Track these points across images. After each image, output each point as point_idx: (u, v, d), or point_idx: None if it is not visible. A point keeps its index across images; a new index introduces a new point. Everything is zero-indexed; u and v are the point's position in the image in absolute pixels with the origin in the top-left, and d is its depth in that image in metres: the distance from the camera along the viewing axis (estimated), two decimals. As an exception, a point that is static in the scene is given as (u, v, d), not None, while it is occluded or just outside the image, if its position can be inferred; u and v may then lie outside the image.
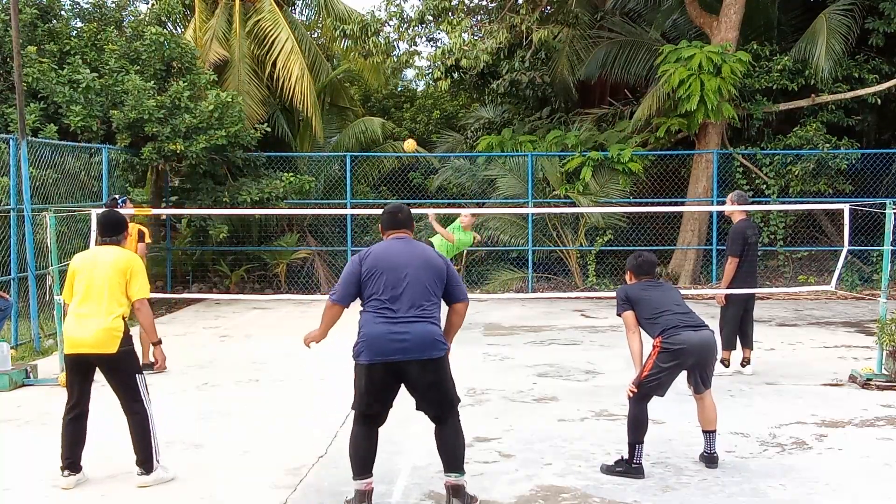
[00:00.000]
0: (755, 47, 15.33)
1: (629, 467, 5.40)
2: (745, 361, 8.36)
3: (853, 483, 5.26)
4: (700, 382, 5.57)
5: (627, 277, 5.91)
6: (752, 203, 14.94)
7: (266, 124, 15.00)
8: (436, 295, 4.80)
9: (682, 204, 15.03)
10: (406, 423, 6.61)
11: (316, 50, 18.19)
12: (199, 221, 14.23)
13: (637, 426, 5.44)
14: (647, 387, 5.44)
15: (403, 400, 7.42)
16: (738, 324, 8.27)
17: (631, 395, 5.47)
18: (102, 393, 7.67)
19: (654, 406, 7.11)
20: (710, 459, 5.59)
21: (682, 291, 8.97)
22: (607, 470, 5.46)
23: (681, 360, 5.41)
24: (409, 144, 10.25)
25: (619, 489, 5.16)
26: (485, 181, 15.59)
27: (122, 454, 5.59)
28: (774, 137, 15.62)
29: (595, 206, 14.34)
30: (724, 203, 14.60)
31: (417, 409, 4.92)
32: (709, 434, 5.62)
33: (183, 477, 5.46)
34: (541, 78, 16.33)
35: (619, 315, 5.72)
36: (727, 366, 8.22)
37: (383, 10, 16.85)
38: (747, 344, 8.38)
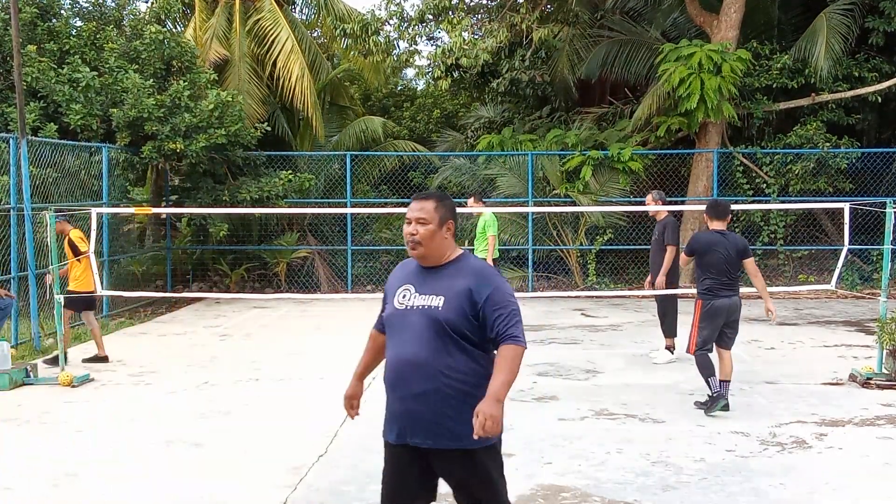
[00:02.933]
0: (755, 46, 15.32)
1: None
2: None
3: (853, 482, 5.26)
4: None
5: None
6: (753, 202, 14.99)
7: (266, 123, 15.01)
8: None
9: (683, 203, 15.02)
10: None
11: (316, 49, 18.19)
12: (199, 220, 14.23)
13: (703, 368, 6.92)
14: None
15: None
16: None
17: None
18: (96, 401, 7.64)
19: (655, 405, 7.13)
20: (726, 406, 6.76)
21: (682, 290, 9.21)
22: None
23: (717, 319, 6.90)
24: None
25: (620, 488, 5.15)
26: (485, 180, 15.58)
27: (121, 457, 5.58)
28: (775, 136, 15.62)
29: (595, 205, 14.34)
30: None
31: None
32: (724, 383, 6.83)
33: (183, 476, 5.46)
34: (541, 77, 16.33)
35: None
36: (672, 352, 8.99)
37: (383, 9, 16.86)
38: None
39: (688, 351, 7.02)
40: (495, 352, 3.33)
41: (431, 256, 3.36)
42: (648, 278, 9.23)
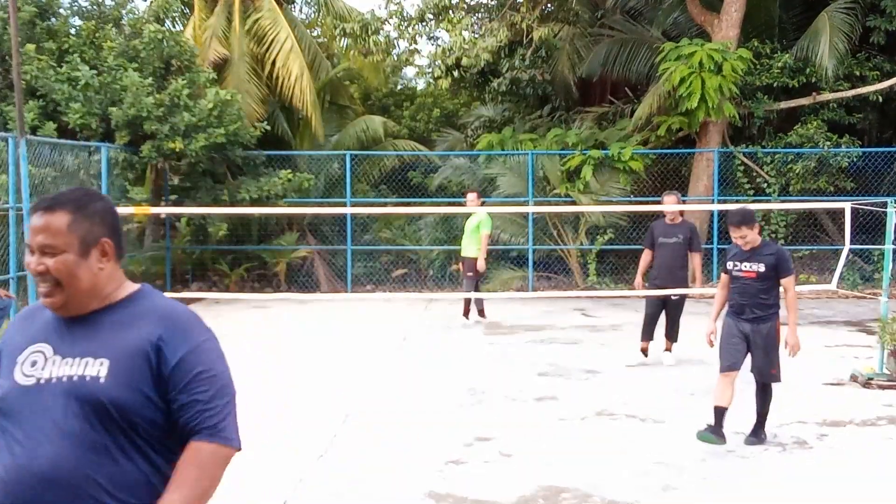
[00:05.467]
0: (756, 45, 15.30)
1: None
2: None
3: (854, 482, 5.24)
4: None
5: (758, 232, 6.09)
6: (754, 202, 14.96)
7: (266, 123, 14.99)
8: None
9: (683, 203, 14.98)
10: (405, 423, 6.59)
11: (316, 48, 18.17)
12: (198, 220, 14.21)
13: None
14: None
15: (401, 400, 7.40)
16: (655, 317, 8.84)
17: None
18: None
19: (655, 405, 7.10)
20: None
21: (682, 290, 9.12)
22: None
23: None
24: None
25: (620, 488, 5.13)
26: (485, 180, 15.57)
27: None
28: (775, 135, 15.60)
29: (596, 205, 14.31)
30: (724, 202, 14.77)
31: None
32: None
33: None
34: (541, 76, 16.31)
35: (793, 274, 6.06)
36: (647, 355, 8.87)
37: (383, 8, 16.85)
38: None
39: (778, 380, 6.11)
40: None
41: (77, 303, 2.03)
42: (641, 283, 9.13)
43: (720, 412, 5.91)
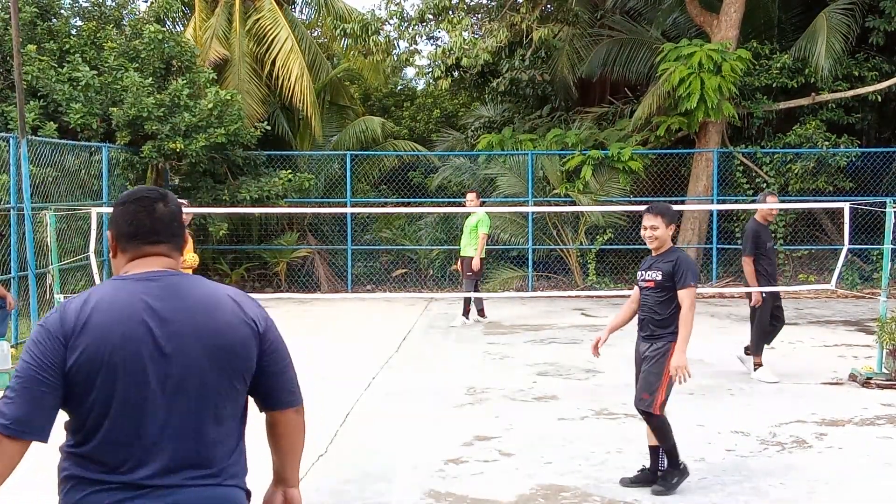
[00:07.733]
0: (755, 45, 15.33)
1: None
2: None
3: (853, 482, 5.26)
4: None
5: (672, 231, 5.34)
6: (753, 202, 14.98)
7: (266, 123, 15.01)
8: (232, 405, 2.28)
9: (683, 203, 15.02)
10: (405, 423, 6.61)
11: (316, 49, 18.20)
12: (198, 220, 14.21)
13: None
14: None
15: (401, 399, 7.42)
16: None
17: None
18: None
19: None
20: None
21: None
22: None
23: None
24: None
25: (620, 488, 5.15)
26: (485, 180, 15.59)
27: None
28: (774, 136, 15.63)
29: (595, 205, 14.34)
30: (724, 202, 14.80)
31: None
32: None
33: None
34: (541, 76, 16.34)
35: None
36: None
37: (383, 8, 16.88)
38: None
39: (648, 410, 5.10)
40: None
41: None
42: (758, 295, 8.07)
43: (654, 451, 5.21)
